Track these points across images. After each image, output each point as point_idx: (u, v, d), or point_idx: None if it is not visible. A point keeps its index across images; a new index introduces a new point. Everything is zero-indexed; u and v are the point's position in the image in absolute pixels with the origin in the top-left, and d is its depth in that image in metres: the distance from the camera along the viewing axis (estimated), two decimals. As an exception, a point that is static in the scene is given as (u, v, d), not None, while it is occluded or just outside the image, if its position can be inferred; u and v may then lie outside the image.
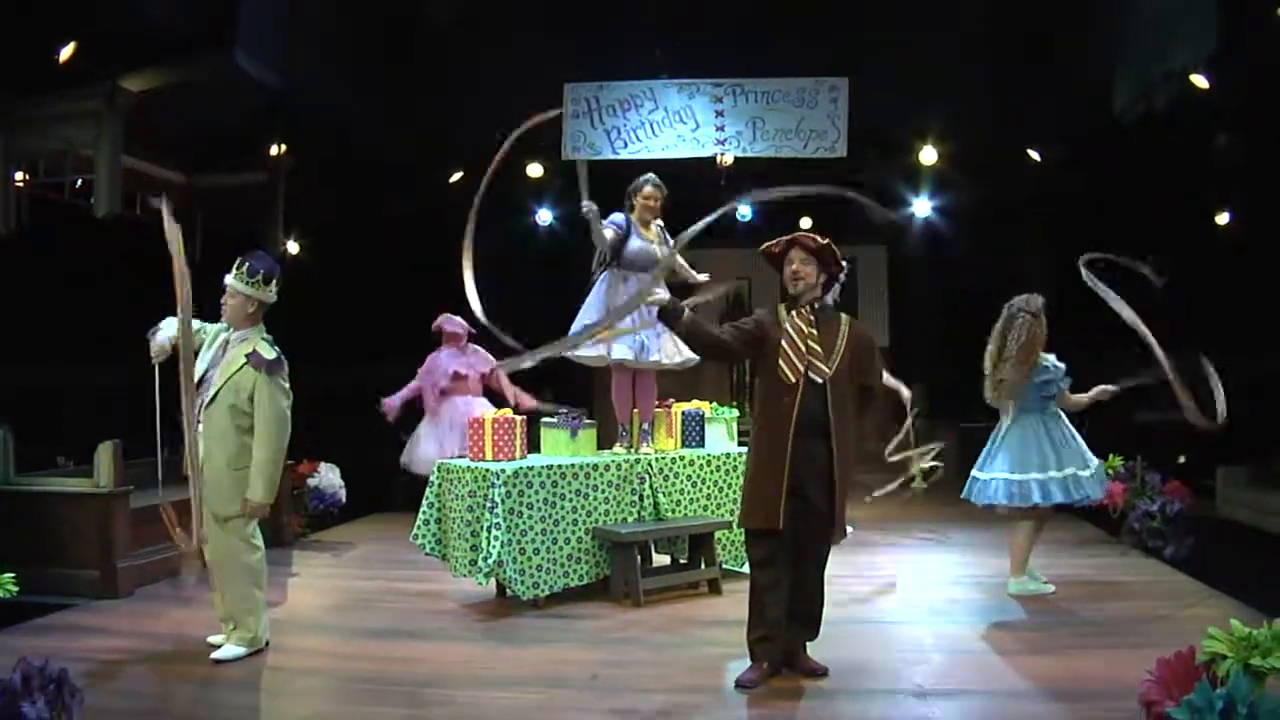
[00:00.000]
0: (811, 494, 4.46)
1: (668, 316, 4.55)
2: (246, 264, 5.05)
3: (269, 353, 4.99)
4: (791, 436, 4.41)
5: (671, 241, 6.39)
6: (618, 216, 6.53)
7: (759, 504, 4.48)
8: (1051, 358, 6.22)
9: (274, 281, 5.11)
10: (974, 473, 6.44)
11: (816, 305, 4.65)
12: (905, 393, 8.29)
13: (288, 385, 5.05)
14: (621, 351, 6.42)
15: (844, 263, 4.80)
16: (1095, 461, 6.22)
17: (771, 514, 4.42)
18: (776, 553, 4.49)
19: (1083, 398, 6.29)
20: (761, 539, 4.52)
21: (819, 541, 4.58)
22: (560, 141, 6.64)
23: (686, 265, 6.66)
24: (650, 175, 6.63)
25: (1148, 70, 8.27)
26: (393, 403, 8.61)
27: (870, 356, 4.68)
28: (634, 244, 6.47)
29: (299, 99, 8.36)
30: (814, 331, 4.53)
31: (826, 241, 4.67)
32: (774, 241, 4.71)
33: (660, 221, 6.68)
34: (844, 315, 4.72)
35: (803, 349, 4.48)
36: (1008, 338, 6.18)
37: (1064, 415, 6.29)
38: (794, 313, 4.59)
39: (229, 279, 5.07)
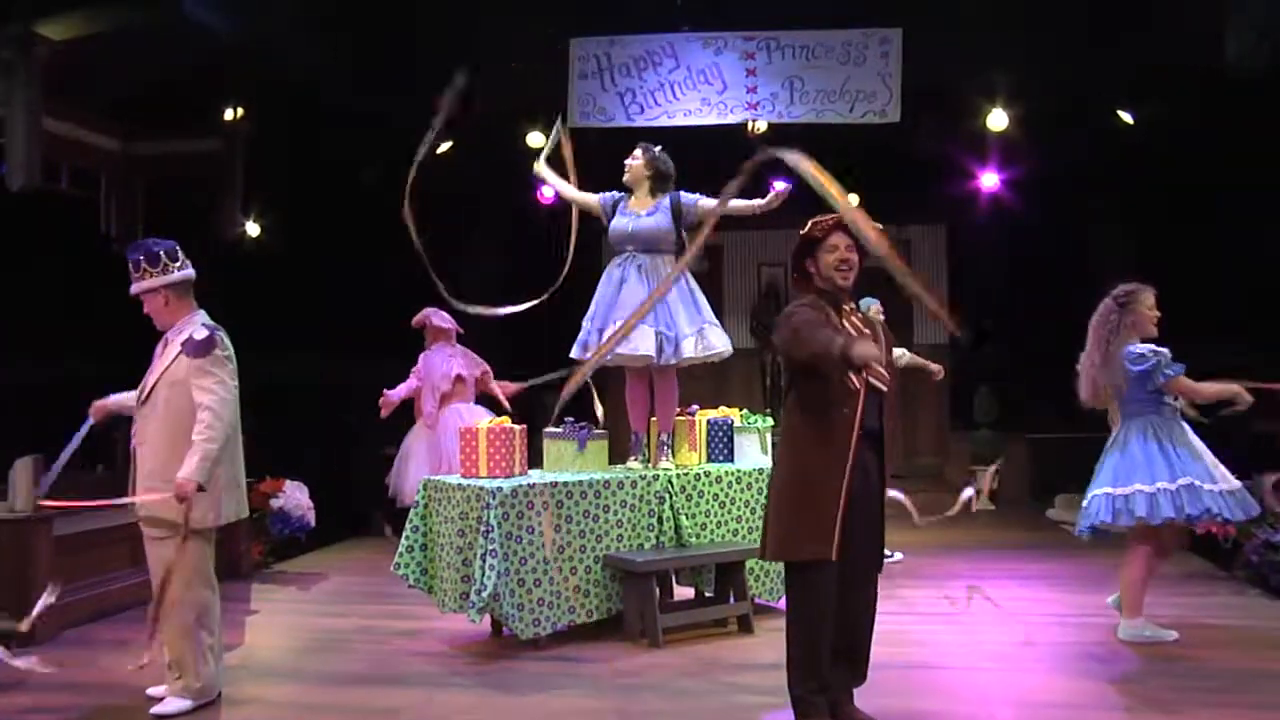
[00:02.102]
0: (864, 512, 4.47)
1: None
2: (130, 261, 4.99)
3: (201, 333, 4.93)
4: (853, 452, 4.42)
5: (698, 200, 6.32)
6: (610, 194, 6.60)
7: (813, 530, 4.46)
8: (1144, 346, 6.11)
9: (165, 260, 4.98)
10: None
11: (853, 303, 4.70)
12: (934, 368, 8.33)
13: (230, 355, 4.97)
14: (645, 346, 6.40)
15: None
16: (1234, 481, 5.98)
17: (826, 541, 4.42)
18: (829, 586, 4.50)
19: (1207, 387, 5.99)
20: (811, 571, 4.52)
21: (871, 567, 4.59)
22: (566, 105, 6.68)
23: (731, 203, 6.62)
24: (638, 144, 6.62)
25: (1272, 8, 8.07)
26: (392, 398, 8.61)
27: (891, 355, 4.80)
28: (614, 220, 6.53)
29: (259, 52, 8.36)
30: (867, 332, 4.55)
31: (882, 229, 4.67)
32: (819, 220, 4.67)
33: (682, 192, 6.59)
34: (862, 313, 4.78)
35: None
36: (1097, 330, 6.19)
37: (1186, 424, 6.13)
38: (845, 309, 4.60)
39: (132, 289, 5.02)
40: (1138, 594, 6.16)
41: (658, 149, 6.59)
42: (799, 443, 4.56)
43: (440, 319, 8.72)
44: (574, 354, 6.50)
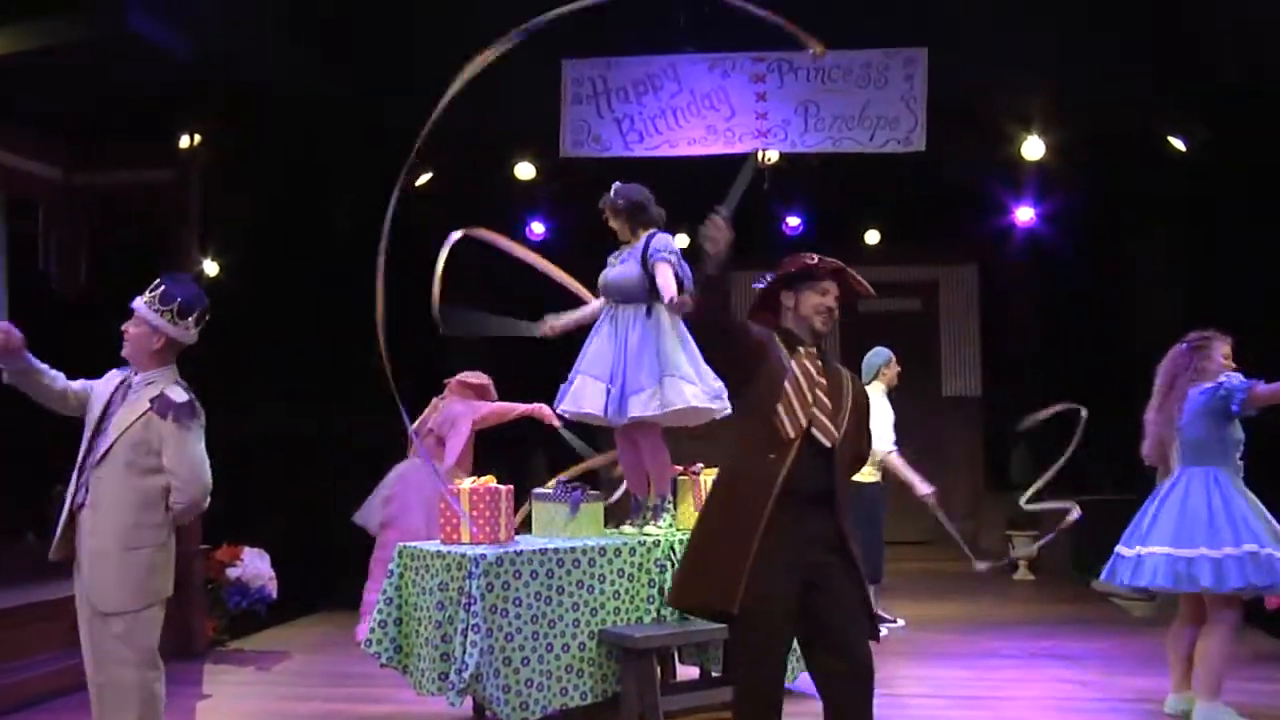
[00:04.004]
0: (834, 578, 4.46)
1: (711, 282, 4.55)
2: (162, 287, 5.05)
3: (180, 396, 4.95)
4: (771, 505, 4.40)
5: (666, 251, 6.39)
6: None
7: (704, 578, 4.52)
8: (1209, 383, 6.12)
9: (192, 317, 5.05)
10: (1120, 548, 6.34)
11: (821, 349, 4.71)
12: (922, 491, 8.38)
13: (203, 425, 5.00)
14: (592, 404, 6.46)
15: None
16: None
17: (728, 591, 4.39)
18: (763, 651, 4.52)
19: None
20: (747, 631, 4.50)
21: (861, 642, 4.56)
22: (558, 133, 6.77)
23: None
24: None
25: None
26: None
27: (868, 424, 4.83)
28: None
29: (218, 73, 8.43)
30: (824, 381, 4.58)
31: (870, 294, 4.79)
32: (808, 257, 4.70)
33: (657, 237, 6.64)
34: (845, 369, 4.82)
35: (809, 397, 4.53)
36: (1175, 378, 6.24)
37: (1238, 483, 6.12)
38: (800, 351, 4.61)
39: (136, 302, 5.05)
40: (1218, 671, 6.04)
41: (611, 191, 6.64)
42: (715, 487, 4.72)
43: (477, 378, 8.77)
44: (588, 409, 6.52)
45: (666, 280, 6.24)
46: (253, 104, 9.13)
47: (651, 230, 6.58)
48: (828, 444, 4.46)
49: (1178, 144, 10.41)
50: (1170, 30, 8.86)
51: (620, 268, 6.56)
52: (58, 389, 4.99)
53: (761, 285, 4.82)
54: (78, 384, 5.04)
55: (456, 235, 6.79)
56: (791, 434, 4.43)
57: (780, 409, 4.46)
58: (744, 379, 4.64)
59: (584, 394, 6.47)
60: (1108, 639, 8.26)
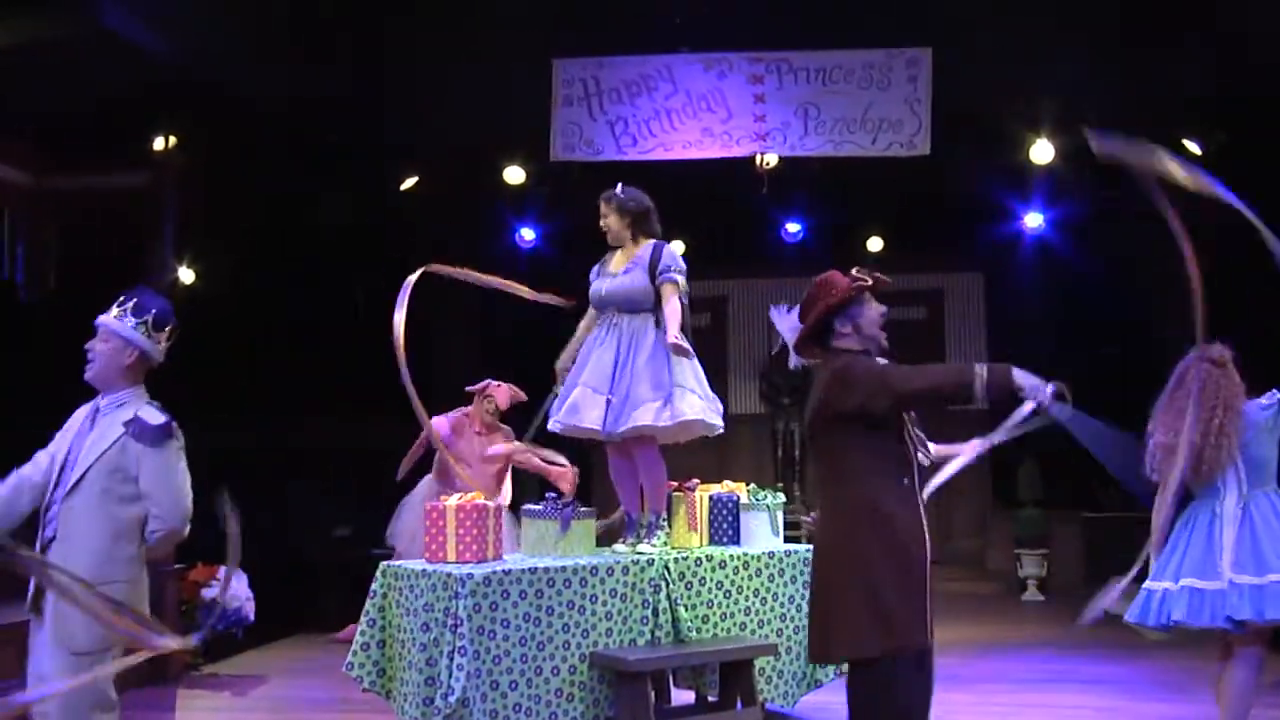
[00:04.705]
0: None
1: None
2: (134, 300, 5.00)
3: (156, 417, 4.91)
4: (927, 532, 4.60)
5: (677, 270, 6.40)
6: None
7: (914, 612, 4.54)
8: (1259, 401, 6.09)
9: (165, 331, 5.03)
10: (1149, 583, 6.19)
11: None
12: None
13: (183, 448, 4.95)
14: (590, 417, 6.43)
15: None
16: None
17: (921, 624, 4.51)
18: (915, 681, 4.56)
19: None
20: (898, 666, 4.52)
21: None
22: (548, 137, 6.77)
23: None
24: (604, 193, 6.70)
25: None
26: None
27: None
28: (593, 283, 6.64)
29: (195, 73, 8.44)
30: None
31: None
32: (871, 273, 4.75)
33: (667, 248, 6.66)
34: None
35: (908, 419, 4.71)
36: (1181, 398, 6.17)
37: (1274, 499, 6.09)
38: None
39: (102, 319, 5.00)
40: (1246, 703, 6.00)
41: (618, 188, 6.64)
42: (875, 513, 4.57)
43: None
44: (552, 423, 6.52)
45: (674, 312, 6.27)
46: (233, 106, 9.13)
47: (654, 241, 6.60)
48: (927, 464, 4.59)
49: (1193, 148, 10.44)
50: (1187, 29, 8.88)
51: (624, 278, 6.53)
52: (5, 498, 4.91)
53: (783, 312, 4.86)
54: (27, 467, 4.95)
55: (414, 277, 6.77)
56: (925, 462, 4.62)
57: (906, 435, 4.61)
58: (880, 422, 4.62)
59: (583, 407, 6.39)
60: (1125, 663, 8.20)
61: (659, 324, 6.43)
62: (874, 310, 4.70)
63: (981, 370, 4.29)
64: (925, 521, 4.55)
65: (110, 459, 4.83)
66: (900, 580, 4.52)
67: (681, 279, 6.41)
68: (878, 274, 4.74)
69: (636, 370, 6.43)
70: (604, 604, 6.32)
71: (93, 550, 4.78)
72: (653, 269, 6.45)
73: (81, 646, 4.78)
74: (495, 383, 8.52)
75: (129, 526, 4.84)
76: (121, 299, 5.01)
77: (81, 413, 5.01)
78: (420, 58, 9.10)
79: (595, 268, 6.71)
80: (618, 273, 6.58)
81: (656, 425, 6.37)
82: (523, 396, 8.51)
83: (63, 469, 4.87)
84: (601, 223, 6.63)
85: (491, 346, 12.72)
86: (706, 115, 6.62)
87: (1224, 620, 5.85)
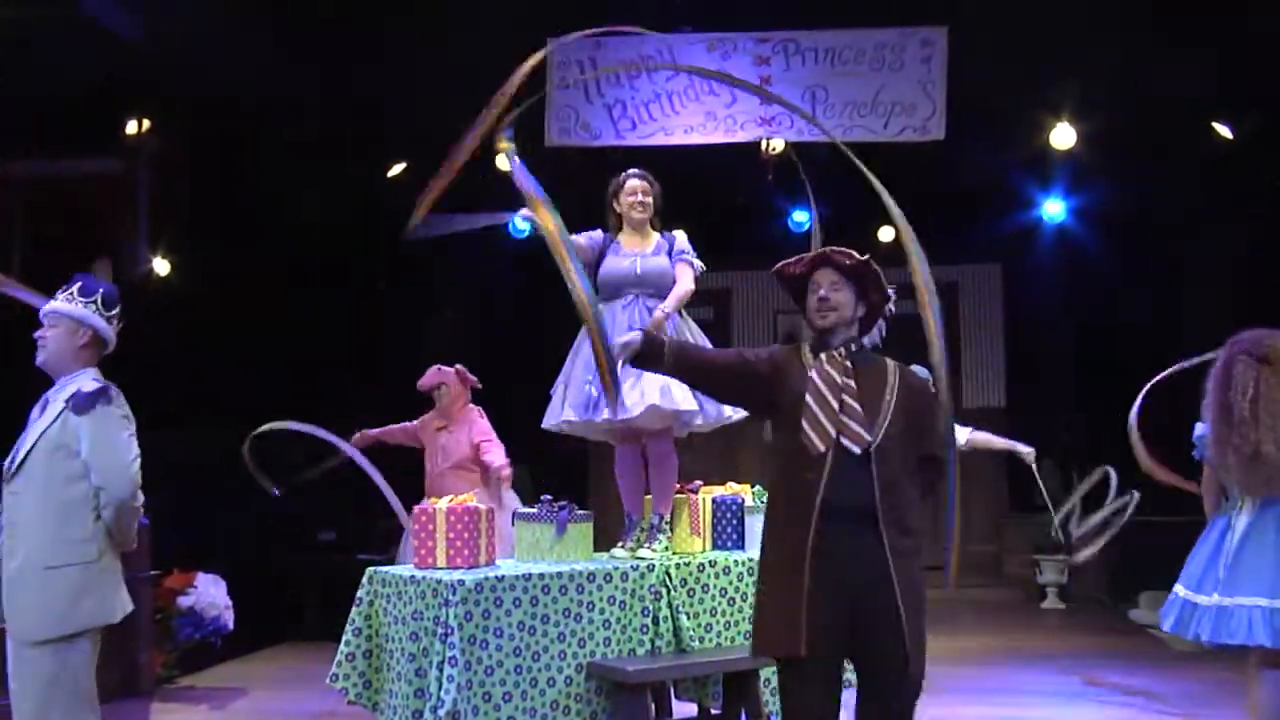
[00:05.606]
0: (871, 611, 4.46)
1: (646, 359, 4.70)
2: (79, 283, 5.05)
3: (92, 385, 4.95)
4: (814, 526, 4.43)
5: (691, 254, 6.44)
6: (595, 233, 6.68)
7: (770, 620, 4.56)
8: None
9: (115, 310, 5.09)
10: (1187, 592, 6.01)
11: (854, 347, 4.74)
12: (1023, 450, 8.09)
13: (128, 416, 4.98)
14: (650, 399, 6.35)
15: (889, 291, 4.87)
16: None
17: (791, 632, 4.44)
18: (803, 691, 4.55)
19: None
20: (789, 672, 4.55)
21: (894, 683, 4.58)
22: (543, 120, 6.78)
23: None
24: (632, 170, 6.71)
25: None
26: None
27: (932, 415, 4.77)
28: (607, 262, 6.59)
29: (168, 55, 8.44)
30: (851, 383, 4.60)
31: (866, 257, 4.78)
32: (794, 259, 4.79)
33: (679, 233, 6.70)
34: (890, 361, 4.82)
35: (835, 406, 4.55)
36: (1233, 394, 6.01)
37: None
38: (823, 357, 4.66)
39: (51, 304, 5.05)
40: None
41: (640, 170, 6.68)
42: (765, 519, 4.73)
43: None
44: (574, 417, 6.47)
45: (684, 293, 6.33)
46: (207, 89, 9.13)
47: (663, 231, 6.63)
48: (858, 450, 4.49)
49: (1224, 130, 10.42)
50: (1216, 4, 8.86)
51: (655, 259, 6.51)
52: None
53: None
54: None
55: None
56: (821, 447, 4.47)
57: (805, 421, 4.50)
58: (747, 404, 4.88)
59: (624, 396, 6.14)
60: (1151, 675, 8.22)
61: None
62: (811, 298, 4.76)
63: None
64: (813, 522, 4.41)
65: (52, 436, 4.89)
66: (761, 589, 4.66)
67: (699, 264, 6.42)
68: (804, 257, 4.81)
69: None
70: (602, 612, 6.32)
71: (40, 532, 4.84)
72: (669, 253, 6.48)
73: (33, 635, 4.82)
74: (437, 368, 8.50)
75: (77, 505, 4.87)
76: (65, 286, 5.08)
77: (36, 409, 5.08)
78: (408, 40, 9.09)
79: (597, 241, 6.60)
80: (646, 252, 6.57)
81: (680, 406, 6.28)
82: (471, 376, 8.52)
83: (14, 459, 4.94)
84: (639, 197, 6.57)
85: (492, 347, 12.73)
86: (709, 98, 6.61)
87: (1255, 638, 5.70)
